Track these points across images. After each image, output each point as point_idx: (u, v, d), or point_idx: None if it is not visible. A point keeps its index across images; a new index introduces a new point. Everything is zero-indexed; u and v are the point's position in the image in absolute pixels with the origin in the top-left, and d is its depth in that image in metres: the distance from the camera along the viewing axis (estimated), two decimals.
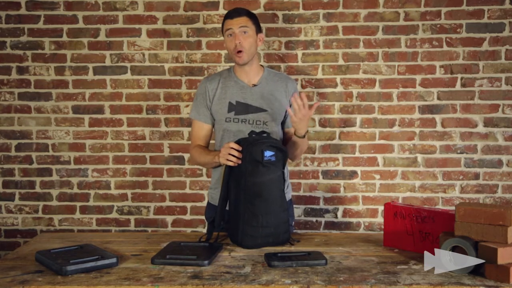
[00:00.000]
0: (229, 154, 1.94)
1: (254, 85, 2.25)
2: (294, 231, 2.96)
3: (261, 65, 2.35)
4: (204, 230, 3.10)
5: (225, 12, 3.03)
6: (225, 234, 2.05)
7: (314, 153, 3.11)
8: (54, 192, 3.17)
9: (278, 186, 1.97)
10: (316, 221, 3.15)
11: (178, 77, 3.12)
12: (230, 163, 1.94)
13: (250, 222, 1.90)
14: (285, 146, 2.11)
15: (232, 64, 2.32)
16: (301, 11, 3.06)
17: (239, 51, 2.17)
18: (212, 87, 2.26)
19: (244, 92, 2.23)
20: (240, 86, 2.24)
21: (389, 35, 3.05)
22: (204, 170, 3.13)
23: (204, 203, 3.12)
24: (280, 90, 2.28)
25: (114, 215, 3.17)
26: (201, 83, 2.32)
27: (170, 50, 3.11)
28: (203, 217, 3.11)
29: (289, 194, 2.37)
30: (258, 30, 2.26)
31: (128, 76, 3.12)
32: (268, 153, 1.91)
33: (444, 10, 3.02)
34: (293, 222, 2.45)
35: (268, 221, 1.91)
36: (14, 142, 3.16)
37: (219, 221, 2.00)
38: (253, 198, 1.91)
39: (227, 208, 2.04)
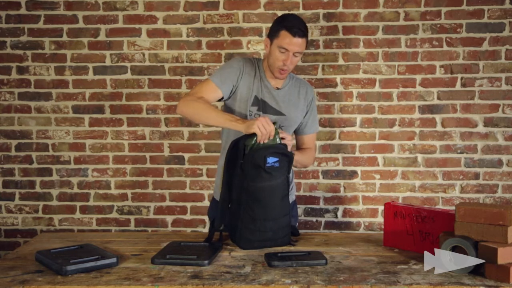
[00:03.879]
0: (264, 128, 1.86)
1: (278, 88, 2.22)
2: None
3: None
4: (204, 230, 3.10)
5: (225, 12, 3.05)
6: (228, 234, 2.04)
7: None
8: (54, 192, 3.17)
9: (280, 192, 1.92)
10: (316, 221, 3.15)
11: (178, 77, 3.12)
12: (259, 132, 1.86)
13: (248, 225, 1.88)
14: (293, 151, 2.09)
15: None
16: (301, 11, 3.06)
17: (286, 69, 2.12)
18: (248, 70, 2.18)
19: (268, 92, 2.19)
20: (265, 85, 2.20)
21: (389, 35, 3.05)
22: (204, 170, 3.12)
23: (204, 203, 3.12)
24: (300, 97, 2.26)
25: (114, 215, 3.17)
26: (238, 59, 2.21)
27: (170, 50, 3.11)
28: (203, 217, 3.11)
29: (293, 195, 2.35)
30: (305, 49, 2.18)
31: (128, 76, 3.13)
32: (271, 160, 1.86)
33: (444, 10, 3.02)
34: (297, 223, 2.43)
35: (266, 226, 1.88)
36: (14, 142, 3.16)
37: (219, 222, 1.98)
38: (252, 202, 1.88)
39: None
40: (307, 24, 3.02)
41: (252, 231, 1.88)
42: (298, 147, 2.36)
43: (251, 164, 1.87)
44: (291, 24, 2.07)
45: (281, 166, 1.90)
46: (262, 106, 2.18)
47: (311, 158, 2.36)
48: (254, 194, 1.88)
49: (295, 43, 2.07)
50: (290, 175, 2.29)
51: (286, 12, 3.04)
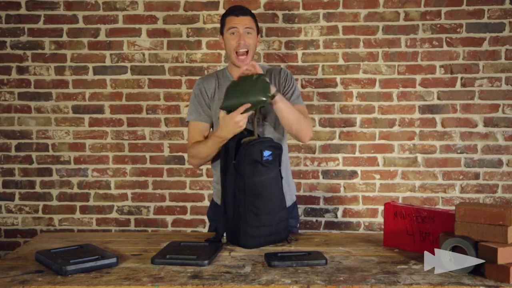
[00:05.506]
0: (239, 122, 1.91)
1: None
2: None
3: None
4: (204, 230, 3.10)
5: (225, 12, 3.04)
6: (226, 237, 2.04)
7: (314, 153, 3.11)
8: (54, 192, 3.17)
9: (277, 184, 1.97)
10: (316, 221, 3.15)
11: (178, 77, 3.12)
12: (241, 128, 1.92)
13: (252, 222, 1.89)
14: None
15: (226, 64, 2.27)
16: (301, 11, 3.06)
17: (244, 52, 2.11)
18: (209, 87, 2.21)
19: None
20: None
21: (389, 35, 3.05)
22: (204, 170, 3.13)
23: (204, 203, 3.12)
24: (273, 82, 2.22)
25: (114, 215, 3.17)
26: (196, 84, 2.26)
27: (170, 50, 3.11)
28: (203, 217, 3.11)
29: (293, 196, 2.35)
30: (258, 30, 2.22)
31: (128, 76, 3.13)
32: (266, 153, 1.91)
33: (444, 10, 3.02)
34: (298, 224, 2.43)
35: (269, 219, 1.91)
36: (14, 142, 3.16)
37: (222, 230, 1.99)
38: (254, 198, 1.90)
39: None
40: (308, 24, 3.06)
41: (257, 227, 1.89)
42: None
43: (247, 161, 1.89)
44: (232, 9, 2.18)
45: (274, 159, 1.95)
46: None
47: (306, 121, 2.14)
48: (255, 190, 1.90)
49: (241, 20, 2.13)
50: (288, 174, 2.30)
51: (286, 12, 3.04)
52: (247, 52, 2.14)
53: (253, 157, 1.89)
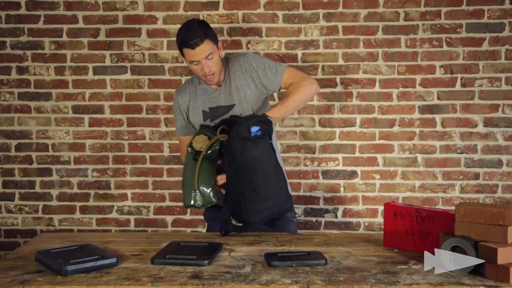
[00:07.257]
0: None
1: (220, 85, 2.25)
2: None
3: (222, 59, 2.26)
4: (204, 230, 3.10)
5: (225, 12, 3.05)
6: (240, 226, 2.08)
7: (314, 153, 3.11)
8: (54, 192, 3.17)
9: (270, 158, 2.01)
10: (316, 221, 3.15)
11: (178, 77, 3.12)
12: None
13: (252, 198, 1.95)
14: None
15: None
16: (301, 11, 3.06)
17: (211, 74, 2.14)
18: (183, 100, 2.26)
19: (214, 96, 2.23)
20: (209, 92, 2.24)
21: (389, 35, 3.05)
22: None
23: None
24: (240, 74, 2.21)
25: (114, 215, 3.17)
26: (174, 98, 2.31)
27: (170, 50, 3.11)
28: (202, 217, 3.10)
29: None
30: (217, 41, 2.17)
31: (128, 76, 3.13)
32: (254, 129, 1.94)
33: (444, 10, 3.02)
34: (295, 219, 2.40)
35: (268, 193, 1.97)
36: (14, 142, 3.16)
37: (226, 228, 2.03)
38: (249, 175, 1.95)
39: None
40: (308, 24, 3.05)
41: (257, 202, 1.96)
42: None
43: (236, 138, 1.94)
44: (185, 38, 2.09)
45: (263, 133, 1.98)
46: (215, 112, 2.21)
47: (300, 90, 2.15)
48: (249, 167, 1.95)
49: (199, 52, 2.09)
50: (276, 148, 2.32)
51: (286, 12, 3.04)
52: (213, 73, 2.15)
53: (241, 134, 1.93)
